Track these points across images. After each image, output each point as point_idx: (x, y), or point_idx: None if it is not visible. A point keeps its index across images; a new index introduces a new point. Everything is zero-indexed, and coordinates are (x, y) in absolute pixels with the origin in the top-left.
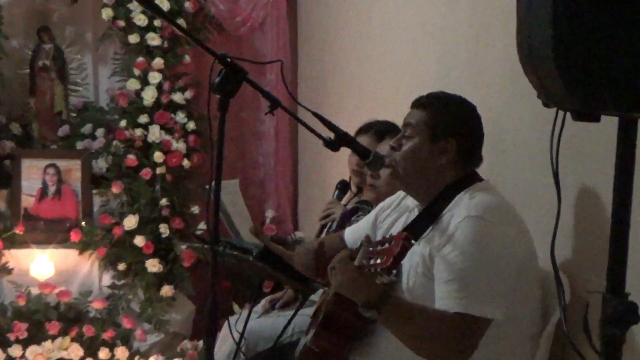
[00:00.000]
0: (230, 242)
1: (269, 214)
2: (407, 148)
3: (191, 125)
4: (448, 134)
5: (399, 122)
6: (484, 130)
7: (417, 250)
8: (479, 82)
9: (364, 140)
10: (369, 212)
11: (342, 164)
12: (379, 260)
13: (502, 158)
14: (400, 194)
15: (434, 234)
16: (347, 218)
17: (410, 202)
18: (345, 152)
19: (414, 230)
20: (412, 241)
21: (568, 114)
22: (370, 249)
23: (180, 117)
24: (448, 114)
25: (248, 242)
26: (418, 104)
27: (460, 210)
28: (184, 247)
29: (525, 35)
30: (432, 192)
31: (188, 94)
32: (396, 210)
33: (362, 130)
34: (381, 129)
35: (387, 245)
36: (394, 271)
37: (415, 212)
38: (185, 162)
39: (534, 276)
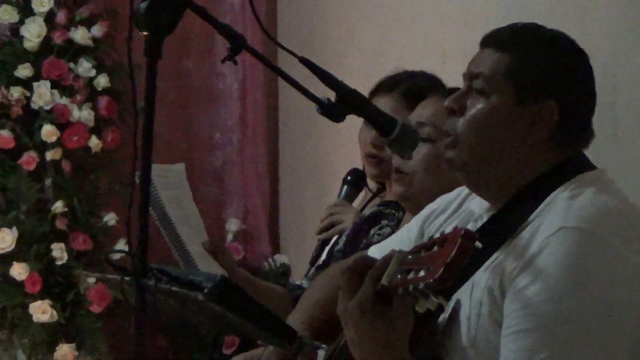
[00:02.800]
0: (168, 271)
1: (232, 225)
2: (477, 113)
3: (102, 82)
4: (546, 93)
5: (445, 76)
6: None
7: (482, 280)
8: (576, 16)
9: (384, 104)
10: (399, 221)
11: (351, 144)
12: (422, 273)
13: (613, 136)
14: (461, 192)
15: (508, 254)
16: (364, 230)
17: (476, 205)
18: (355, 123)
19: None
20: (477, 243)
21: None
22: (410, 257)
23: (85, 68)
24: (546, 61)
25: (200, 271)
26: (494, 40)
27: (553, 218)
28: (92, 280)
29: None
30: (512, 187)
31: (97, 31)
32: (455, 216)
33: (382, 88)
34: (413, 86)
35: (435, 249)
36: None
37: (485, 220)
38: (94, 142)
39: None
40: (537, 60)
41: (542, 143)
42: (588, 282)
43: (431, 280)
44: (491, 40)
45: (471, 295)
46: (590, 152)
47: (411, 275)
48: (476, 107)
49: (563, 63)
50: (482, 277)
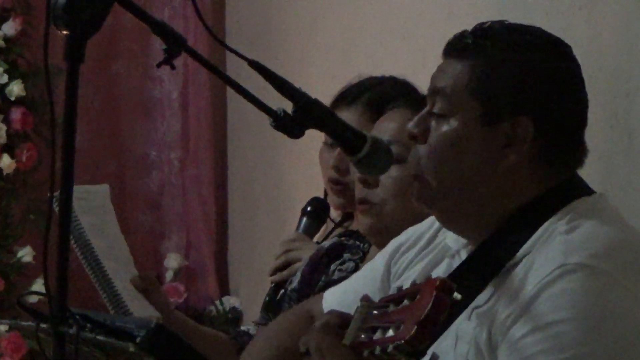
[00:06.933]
0: (92, 317)
1: (172, 261)
2: (439, 139)
3: (16, 90)
4: (515, 107)
5: (425, 82)
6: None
7: (468, 331)
8: (582, 8)
9: (348, 116)
10: (364, 254)
11: (313, 164)
12: (390, 333)
13: (628, 149)
14: (434, 222)
15: (497, 299)
16: (323, 265)
17: (453, 238)
18: (317, 140)
19: (459, 289)
20: (456, 294)
21: None
22: (375, 312)
23: None
24: (512, 68)
25: (131, 316)
26: (456, 47)
27: (550, 253)
28: (3, 328)
29: None
30: (492, 220)
31: (9, 28)
32: (427, 251)
33: (343, 100)
34: (379, 95)
35: (406, 302)
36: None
37: (463, 257)
38: (6, 162)
39: None
40: (503, 68)
41: (522, 167)
42: (598, 327)
43: (402, 341)
44: (452, 48)
45: (455, 348)
46: (602, 167)
47: (378, 335)
48: (438, 131)
49: (533, 68)
50: (467, 327)
